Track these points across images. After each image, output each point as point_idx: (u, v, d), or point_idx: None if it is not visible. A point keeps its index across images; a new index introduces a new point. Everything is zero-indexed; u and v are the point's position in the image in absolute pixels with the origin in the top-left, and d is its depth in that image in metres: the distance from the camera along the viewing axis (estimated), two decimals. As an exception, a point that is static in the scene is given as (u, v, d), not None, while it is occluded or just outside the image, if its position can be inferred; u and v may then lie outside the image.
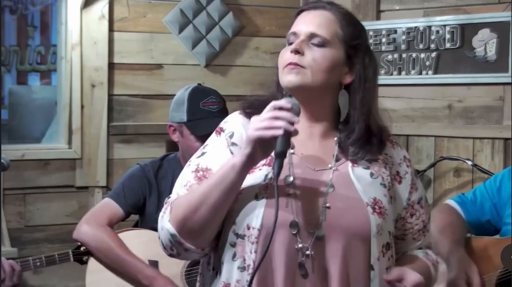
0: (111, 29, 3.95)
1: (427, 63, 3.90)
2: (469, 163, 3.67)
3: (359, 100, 1.72)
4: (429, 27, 3.89)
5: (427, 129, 3.98)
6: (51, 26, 5.87)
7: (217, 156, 1.70)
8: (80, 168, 3.87)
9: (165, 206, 1.69)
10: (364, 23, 4.52)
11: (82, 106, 3.88)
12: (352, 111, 1.72)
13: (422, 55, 3.91)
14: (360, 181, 1.69)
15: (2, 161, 2.41)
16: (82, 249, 2.96)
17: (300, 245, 1.61)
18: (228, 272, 1.65)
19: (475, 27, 3.73)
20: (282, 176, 1.62)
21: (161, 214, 1.68)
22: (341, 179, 1.69)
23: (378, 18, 4.12)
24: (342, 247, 1.63)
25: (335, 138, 1.74)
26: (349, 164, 1.72)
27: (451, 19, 3.82)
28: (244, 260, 1.62)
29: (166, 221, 1.64)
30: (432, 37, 3.88)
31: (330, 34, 1.70)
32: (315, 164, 1.70)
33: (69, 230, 3.10)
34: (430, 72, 3.90)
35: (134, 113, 4.04)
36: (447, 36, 3.82)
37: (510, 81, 3.59)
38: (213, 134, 1.76)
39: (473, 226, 2.51)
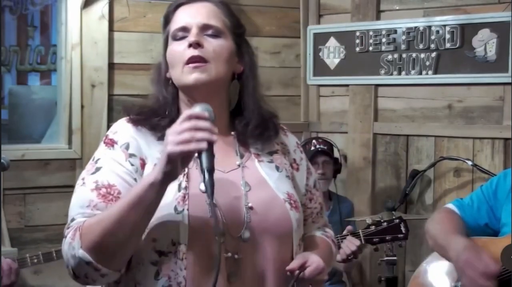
0: (111, 29, 3.95)
1: (427, 63, 3.90)
2: (469, 163, 3.67)
3: (252, 88, 1.70)
4: (429, 27, 3.89)
5: (427, 129, 3.98)
6: (51, 26, 5.87)
7: (117, 170, 1.59)
8: (80, 168, 3.86)
9: (70, 232, 1.56)
10: (364, 23, 4.55)
11: (82, 106, 3.88)
12: (246, 100, 1.69)
13: (422, 55, 3.91)
14: (270, 176, 1.67)
15: (2, 161, 2.42)
16: None
17: (229, 254, 1.56)
18: None
19: (475, 27, 3.74)
20: (196, 185, 1.56)
21: (67, 241, 1.55)
22: (254, 177, 1.66)
23: (378, 18, 4.12)
24: (268, 246, 1.61)
25: (232, 133, 1.70)
26: (255, 159, 1.69)
27: (451, 19, 3.82)
28: (170, 278, 1.54)
29: (77, 249, 1.51)
30: (432, 37, 3.88)
31: (221, 24, 1.65)
32: (223, 166, 1.63)
33: (69, 230, 3.10)
34: (430, 72, 3.90)
35: (134, 113, 4.04)
36: (447, 36, 3.82)
37: (510, 81, 3.59)
38: (103, 147, 1.65)
39: (471, 230, 2.51)
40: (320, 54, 4.35)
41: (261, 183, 1.66)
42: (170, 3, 1.75)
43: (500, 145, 3.70)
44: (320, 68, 4.36)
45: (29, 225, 3.78)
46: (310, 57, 4.38)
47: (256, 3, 4.33)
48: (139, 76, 4.03)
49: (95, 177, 1.59)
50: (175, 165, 1.45)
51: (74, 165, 3.88)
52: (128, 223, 1.48)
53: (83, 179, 1.62)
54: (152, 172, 1.50)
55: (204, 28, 1.63)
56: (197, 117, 1.47)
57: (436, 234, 2.52)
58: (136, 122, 1.65)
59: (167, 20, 1.70)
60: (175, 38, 1.65)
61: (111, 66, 3.96)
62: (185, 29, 1.64)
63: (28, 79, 6.07)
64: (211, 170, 1.45)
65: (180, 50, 1.62)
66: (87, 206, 1.57)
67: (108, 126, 3.92)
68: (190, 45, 1.60)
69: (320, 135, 4.23)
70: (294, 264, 1.62)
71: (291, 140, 1.82)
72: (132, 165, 1.60)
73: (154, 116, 1.64)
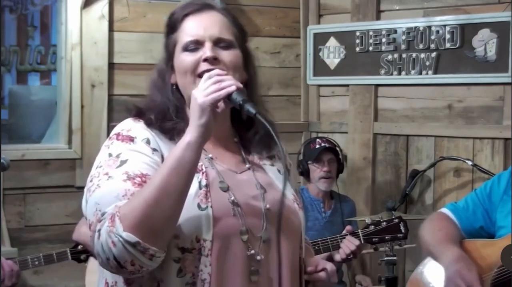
0: (111, 29, 3.95)
1: (427, 63, 3.90)
2: (469, 163, 3.67)
3: (257, 97, 1.72)
4: (429, 27, 3.89)
5: (427, 129, 3.98)
6: (51, 26, 5.86)
7: (146, 160, 1.56)
8: (80, 168, 3.87)
9: (105, 222, 1.46)
10: (364, 23, 4.54)
11: (82, 106, 3.88)
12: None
13: (422, 55, 3.91)
14: (276, 179, 1.71)
15: (2, 161, 2.41)
16: (79, 247, 2.98)
17: (252, 251, 1.58)
18: None
19: (475, 27, 3.74)
20: (215, 183, 1.60)
21: (104, 230, 1.45)
22: (264, 179, 1.69)
23: (378, 18, 4.12)
24: (283, 245, 1.62)
25: (235, 139, 1.73)
26: (259, 162, 1.73)
27: (451, 19, 3.82)
28: (194, 274, 1.53)
29: (121, 232, 1.42)
30: (432, 37, 3.88)
31: (233, 37, 1.67)
32: (234, 166, 1.67)
33: (69, 230, 3.10)
34: (430, 72, 3.90)
35: (134, 113, 4.03)
36: (447, 36, 3.82)
37: (510, 81, 3.59)
38: (120, 143, 1.60)
39: (466, 233, 2.52)
40: (320, 54, 4.35)
41: (270, 184, 1.69)
42: (172, 7, 1.74)
43: (500, 145, 3.70)
44: (320, 68, 4.36)
45: (29, 225, 3.78)
46: (310, 57, 4.38)
47: (256, 3, 4.33)
48: (139, 76, 4.03)
49: (123, 169, 1.54)
50: (209, 116, 1.48)
51: (74, 165, 3.88)
52: (170, 188, 1.45)
53: (106, 173, 1.55)
54: (185, 133, 1.50)
55: (217, 41, 1.65)
56: (218, 75, 1.53)
57: (428, 242, 2.53)
58: (147, 124, 1.65)
59: (173, 28, 1.70)
60: (187, 49, 1.65)
61: (111, 66, 3.96)
62: (197, 42, 1.64)
63: (28, 79, 6.07)
64: (246, 100, 1.51)
65: (193, 61, 1.63)
66: (124, 195, 1.49)
67: (108, 126, 3.93)
68: (205, 60, 1.62)
69: (320, 135, 4.23)
70: (311, 268, 1.68)
71: (282, 146, 1.84)
72: (158, 158, 1.59)
73: (165, 120, 1.64)
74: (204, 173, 1.60)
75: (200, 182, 1.57)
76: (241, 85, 1.53)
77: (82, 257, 3.02)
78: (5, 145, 3.74)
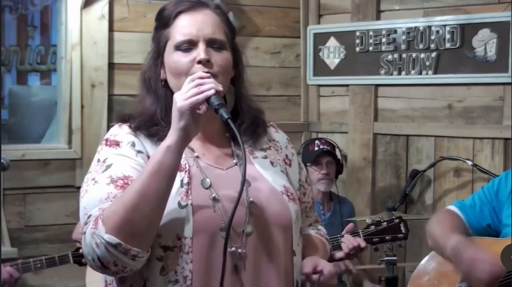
0: (111, 29, 3.95)
1: (427, 63, 3.90)
2: (469, 163, 3.67)
3: (244, 89, 1.74)
4: (429, 27, 3.89)
5: (427, 129, 3.98)
6: (51, 26, 5.87)
7: (129, 163, 1.60)
8: (80, 168, 3.86)
9: (89, 224, 1.51)
10: (364, 23, 4.54)
11: (82, 106, 3.88)
12: (241, 101, 1.73)
13: (422, 55, 3.91)
14: (266, 171, 1.71)
15: (2, 161, 2.41)
16: (81, 251, 2.97)
17: (233, 248, 1.58)
18: None
19: (475, 27, 3.74)
20: (197, 181, 1.61)
21: (88, 232, 1.50)
22: (251, 173, 1.68)
23: (378, 18, 4.12)
24: (270, 238, 1.63)
25: (227, 134, 1.74)
26: (249, 156, 1.72)
27: (451, 19, 3.82)
28: (176, 272, 1.55)
29: (103, 234, 1.47)
30: (432, 37, 3.88)
31: (225, 36, 1.68)
32: (221, 163, 1.69)
33: (69, 230, 3.10)
34: (430, 72, 3.90)
35: (134, 113, 4.03)
36: (447, 36, 3.82)
37: (510, 81, 3.59)
38: (107, 149, 1.65)
39: (474, 231, 2.51)
40: (320, 54, 4.35)
41: (258, 178, 1.69)
42: (165, 4, 1.74)
43: (500, 145, 3.70)
44: (320, 68, 4.36)
45: (29, 225, 3.78)
46: (310, 57, 4.38)
47: (256, 3, 4.33)
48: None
49: (108, 173, 1.58)
50: (188, 119, 1.50)
51: (74, 165, 3.88)
52: (151, 193, 1.48)
53: (93, 179, 1.59)
54: (166, 137, 1.52)
55: (210, 42, 1.65)
56: (200, 77, 1.55)
57: (435, 234, 2.52)
58: (134, 128, 1.67)
59: (165, 24, 1.70)
60: (179, 49, 1.66)
61: (111, 66, 3.96)
62: (191, 42, 1.64)
63: (28, 79, 6.07)
64: (222, 104, 1.52)
65: (186, 62, 1.64)
66: (106, 198, 1.54)
67: (108, 126, 3.92)
68: (199, 62, 1.62)
69: (320, 135, 4.23)
70: (308, 269, 1.66)
71: (282, 137, 1.85)
72: (142, 160, 1.62)
73: (151, 123, 1.66)
74: (187, 171, 1.62)
75: (182, 180, 1.59)
76: (220, 88, 1.54)
77: (83, 260, 3.02)
78: (5, 145, 3.73)
